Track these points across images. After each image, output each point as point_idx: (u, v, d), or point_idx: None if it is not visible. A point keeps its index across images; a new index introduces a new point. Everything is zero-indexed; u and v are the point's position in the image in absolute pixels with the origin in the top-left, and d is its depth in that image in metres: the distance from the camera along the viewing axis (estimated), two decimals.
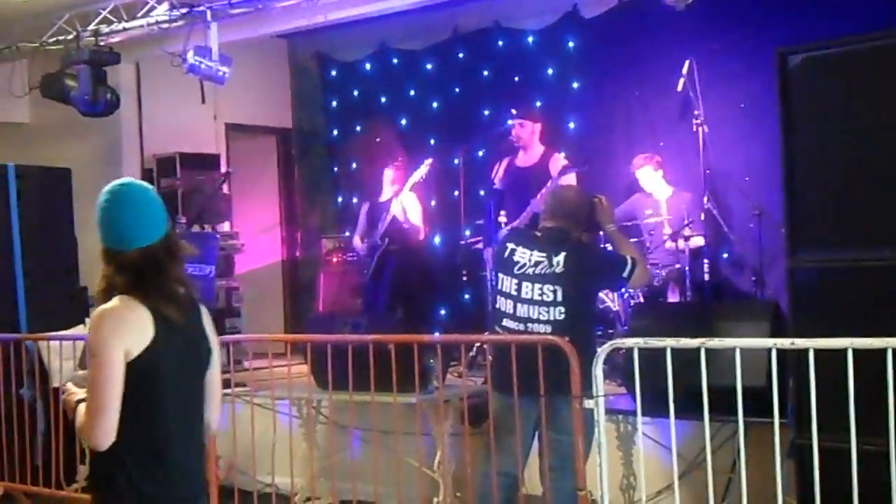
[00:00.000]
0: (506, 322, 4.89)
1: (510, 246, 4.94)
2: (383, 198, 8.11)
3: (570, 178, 7.17)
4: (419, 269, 8.39)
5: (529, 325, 4.80)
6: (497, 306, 4.96)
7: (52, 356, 7.06)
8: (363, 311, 8.02)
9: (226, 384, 6.41)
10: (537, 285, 4.78)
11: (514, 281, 4.85)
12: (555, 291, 4.75)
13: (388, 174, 8.21)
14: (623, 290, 6.61)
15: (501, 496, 4.83)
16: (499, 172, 7.62)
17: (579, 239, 5.00)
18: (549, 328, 4.74)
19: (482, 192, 8.48)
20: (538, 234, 5.01)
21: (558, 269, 4.76)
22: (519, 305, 4.83)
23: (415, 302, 8.33)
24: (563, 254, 4.78)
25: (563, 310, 4.74)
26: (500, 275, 4.93)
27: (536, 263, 4.81)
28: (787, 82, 4.25)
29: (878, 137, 4.04)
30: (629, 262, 4.92)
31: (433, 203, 8.17)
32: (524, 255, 4.85)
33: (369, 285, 8.13)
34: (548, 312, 4.76)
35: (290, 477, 5.72)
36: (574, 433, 4.47)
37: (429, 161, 7.91)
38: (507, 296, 4.88)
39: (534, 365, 4.54)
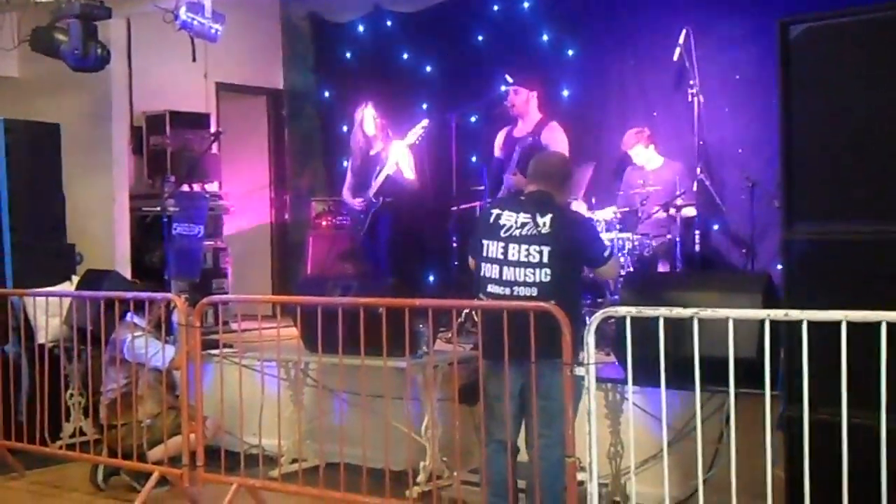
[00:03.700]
0: (491, 288, 4.86)
1: (495, 212, 4.92)
2: (373, 150, 7.95)
3: (561, 140, 7.14)
4: (414, 222, 8.33)
5: (515, 288, 4.77)
6: (482, 273, 4.93)
7: (37, 312, 7.03)
8: (359, 271, 7.97)
9: (213, 345, 6.45)
10: (524, 246, 4.76)
11: (501, 245, 4.82)
12: (541, 252, 4.72)
13: (370, 119, 7.91)
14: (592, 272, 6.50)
15: (498, 462, 4.84)
16: (499, 142, 7.59)
17: (566, 205, 4.99)
18: (534, 290, 4.72)
19: (474, 159, 8.48)
20: (522, 198, 5.00)
21: (545, 230, 4.74)
22: (505, 269, 4.80)
23: (412, 257, 8.33)
24: (549, 215, 4.76)
25: (548, 272, 4.72)
26: (485, 241, 4.89)
27: (523, 225, 4.79)
28: (788, 53, 4.21)
29: (878, 110, 4.01)
30: (610, 249, 4.97)
31: (425, 168, 8.10)
32: (510, 218, 4.83)
33: (365, 242, 8.07)
34: (534, 274, 4.74)
35: (278, 438, 5.71)
36: (563, 399, 4.47)
37: (424, 122, 7.79)
38: (493, 261, 4.85)
39: (519, 330, 4.54)
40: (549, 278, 4.71)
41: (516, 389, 4.80)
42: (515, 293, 4.76)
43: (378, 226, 7.94)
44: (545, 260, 4.72)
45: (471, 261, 5.08)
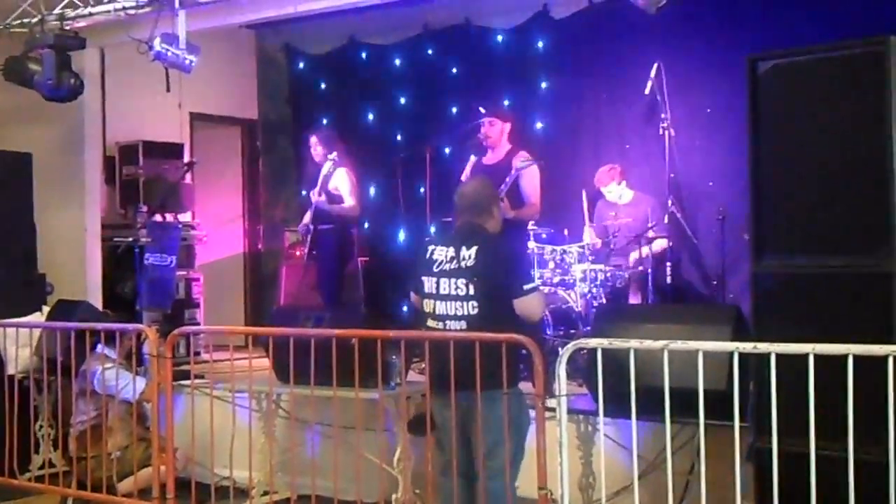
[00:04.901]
0: (429, 322, 4.91)
1: (430, 248, 4.95)
2: (321, 176, 8.21)
3: (533, 171, 7.19)
4: (353, 245, 8.45)
5: (447, 322, 4.81)
6: (423, 308, 4.96)
7: (7, 343, 6.96)
8: (326, 305, 8.01)
9: (184, 376, 6.42)
10: (452, 280, 4.79)
11: (433, 280, 4.86)
12: (467, 285, 4.75)
13: (315, 148, 8.26)
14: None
15: (460, 495, 4.83)
16: (466, 171, 7.63)
17: (495, 234, 5.00)
18: (463, 324, 4.76)
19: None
20: (453, 232, 5.05)
21: (469, 262, 4.77)
22: (438, 303, 4.84)
23: (385, 286, 8.46)
24: (474, 247, 4.79)
25: (475, 304, 4.74)
26: (423, 277, 4.92)
27: (451, 259, 4.83)
28: (756, 88, 4.27)
29: (845, 145, 4.07)
30: (536, 283, 4.97)
31: (400, 198, 8.14)
32: (441, 253, 4.87)
33: (308, 266, 8.35)
34: (462, 307, 4.77)
35: (249, 470, 5.68)
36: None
37: (333, 155, 8.04)
38: (429, 296, 4.89)
39: (459, 362, 4.56)
40: (476, 311, 4.74)
41: (459, 421, 4.79)
42: (447, 327, 4.80)
43: (320, 250, 8.20)
44: (471, 293, 4.74)
45: (413, 296, 5.09)
